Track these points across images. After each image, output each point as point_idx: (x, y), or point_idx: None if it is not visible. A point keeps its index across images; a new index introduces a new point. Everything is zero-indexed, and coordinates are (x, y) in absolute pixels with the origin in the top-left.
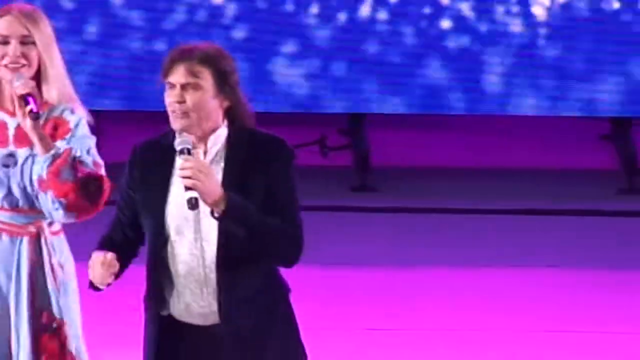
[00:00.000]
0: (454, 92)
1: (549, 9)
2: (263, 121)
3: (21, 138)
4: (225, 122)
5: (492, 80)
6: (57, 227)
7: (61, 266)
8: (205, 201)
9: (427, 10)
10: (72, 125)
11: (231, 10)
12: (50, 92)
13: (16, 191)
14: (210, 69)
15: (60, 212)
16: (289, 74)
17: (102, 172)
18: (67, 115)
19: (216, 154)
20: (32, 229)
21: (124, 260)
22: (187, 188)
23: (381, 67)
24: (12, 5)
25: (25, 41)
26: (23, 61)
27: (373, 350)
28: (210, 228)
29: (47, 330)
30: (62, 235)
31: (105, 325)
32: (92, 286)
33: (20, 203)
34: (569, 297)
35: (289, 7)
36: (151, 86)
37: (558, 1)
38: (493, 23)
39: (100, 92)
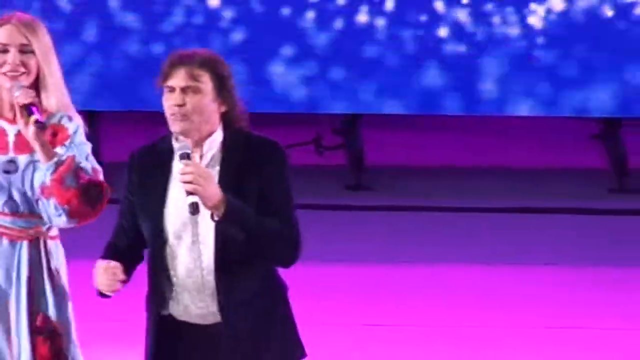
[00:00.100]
0: (451, 95)
1: (545, 16)
2: (259, 121)
3: (21, 145)
4: (221, 126)
5: (488, 85)
6: (54, 232)
7: (57, 270)
8: (205, 205)
9: (423, 17)
10: (70, 132)
11: (228, 14)
12: (50, 100)
13: (17, 197)
14: (209, 73)
15: (63, 218)
16: (287, 76)
17: (101, 177)
18: (65, 123)
19: (212, 158)
20: (32, 233)
21: (130, 265)
22: (188, 193)
23: (378, 70)
24: (11, 15)
25: (25, 50)
26: (22, 69)
27: (369, 346)
28: (208, 231)
29: (41, 332)
30: (58, 241)
31: (109, 323)
32: (101, 293)
33: (21, 208)
34: (562, 294)
35: (286, 11)
36: (149, 88)
37: (554, 9)
38: (490, 29)
39: (99, 93)
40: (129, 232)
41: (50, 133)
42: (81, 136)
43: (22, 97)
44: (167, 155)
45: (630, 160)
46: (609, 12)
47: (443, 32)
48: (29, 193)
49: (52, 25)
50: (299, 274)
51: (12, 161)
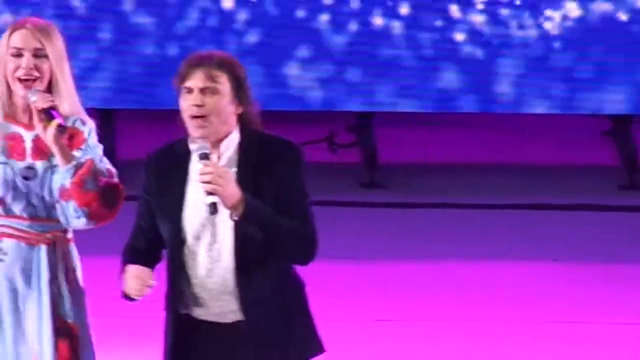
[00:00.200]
0: (467, 97)
1: (561, 20)
2: (273, 119)
3: (39, 151)
4: (237, 127)
5: (504, 86)
6: (70, 234)
7: (74, 272)
8: (224, 205)
9: (439, 22)
10: (85, 135)
11: (243, 16)
12: (63, 105)
13: (35, 202)
14: (227, 74)
15: (83, 220)
16: (302, 78)
17: (117, 178)
18: (79, 126)
19: (228, 159)
20: (50, 237)
21: (150, 267)
22: (208, 193)
23: (395, 72)
24: (26, 19)
25: (39, 54)
26: (36, 73)
27: (381, 341)
28: (227, 231)
29: (60, 334)
30: (73, 243)
31: (128, 322)
32: (126, 296)
33: (39, 213)
34: (574, 291)
35: (301, 13)
36: (164, 88)
37: (570, 15)
38: (506, 31)
39: (115, 93)
40: (147, 233)
41: (67, 137)
42: (94, 139)
43: (41, 101)
44: (184, 156)
45: None
46: (623, 17)
47: (459, 36)
48: (47, 197)
49: (66, 27)
50: (313, 270)
51: (31, 167)
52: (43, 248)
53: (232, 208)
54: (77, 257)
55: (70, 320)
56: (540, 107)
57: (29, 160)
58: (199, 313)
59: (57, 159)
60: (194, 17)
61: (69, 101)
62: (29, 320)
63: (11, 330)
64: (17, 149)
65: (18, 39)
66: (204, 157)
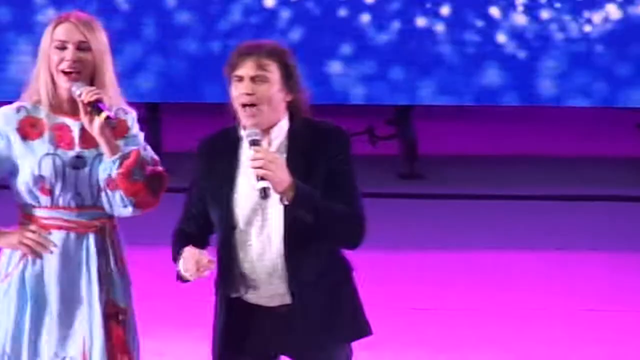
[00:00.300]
0: (509, 93)
1: (602, 20)
2: (315, 113)
3: (87, 140)
4: (287, 115)
5: (546, 83)
6: (116, 220)
7: (122, 258)
8: (275, 189)
9: (480, 22)
10: (129, 124)
11: (285, 14)
12: (105, 97)
13: (82, 191)
14: (277, 63)
15: (130, 208)
16: (345, 75)
17: (160, 166)
18: (122, 115)
19: (278, 146)
20: (97, 224)
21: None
22: (259, 178)
23: (437, 70)
24: (70, 13)
25: (82, 47)
26: (79, 66)
27: (417, 328)
28: (277, 216)
29: (113, 318)
30: (118, 228)
31: (179, 305)
32: (181, 278)
33: (87, 202)
34: (608, 278)
35: (343, 12)
36: (208, 84)
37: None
38: (546, 32)
39: (160, 89)
40: (198, 219)
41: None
42: (136, 127)
43: (88, 95)
44: (235, 143)
45: None
46: None
47: (501, 37)
48: (95, 186)
49: (110, 24)
50: (353, 259)
51: (80, 157)
52: (91, 236)
53: (283, 193)
54: (124, 242)
55: (122, 305)
56: (580, 102)
57: (77, 149)
58: (249, 297)
59: (104, 150)
60: (237, 15)
61: (110, 93)
62: (80, 307)
63: (59, 319)
64: (65, 139)
65: (62, 32)
66: (255, 143)
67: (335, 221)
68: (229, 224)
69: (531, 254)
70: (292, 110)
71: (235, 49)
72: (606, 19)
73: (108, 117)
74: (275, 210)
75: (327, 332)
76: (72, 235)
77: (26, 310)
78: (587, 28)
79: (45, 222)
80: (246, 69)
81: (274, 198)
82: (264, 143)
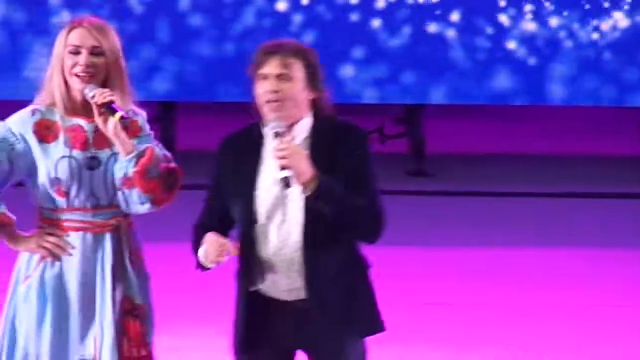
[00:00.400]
0: (520, 96)
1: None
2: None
3: (100, 141)
4: (310, 113)
5: (555, 87)
6: (131, 217)
7: (138, 254)
8: (297, 180)
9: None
10: (140, 124)
11: (298, 18)
12: (117, 99)
13: (97, 191)
14: (301, 62)
15: (147, 205)
16: (357, 79)
17: (174, 163)
18: (133, 116)
19: (301, 142)
20: (113, 223)
21: None
22: (282, 168)
23: (448, 74)
24: (83, 18)
25: (95, 52)
26: (92, 70)
27: (429, 324)
28: (297, 210)
29: (129, 314)
30: (134, 226)
31: (199, 298)
32: (200, 266)
33: (101, 202)
34: (621, 275)
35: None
36: (221, 86)
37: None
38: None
39: (174, 90)
40: (219, 213)
41: (122, 126)
42: (147, 127)
43: (100, 96)
44: (257, 140)
45: None
46: None
47: (511, 43)
48: (110, 185)
49: (123, 28)
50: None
51: (94, 157)
52: (107, 236)
53: (305, 184)
54: (139, 238)
55: (138, 301)
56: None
57: (92, 150)
58: (267, 290)
59: (119, 150)
60: (250, 19)
61: (122, 96)
62: (95, 306)
63: (78, 319)
64: (79, 140)
65: (76, 37)
66: (279, 134)
67: (356, 214)
68: (250, 219)
69: (539, 250)
70: (315, 108)
71: (259, 47)
72: (614, 27)
73: (122, 117)
74: (296, 205)
75: (343, 328)
76: (89, 235)
77: (47, 311)
78: (595, 35)
79: (63, 224)
80: (271, 67)
81: (295, 194)
82: (288, 138)
